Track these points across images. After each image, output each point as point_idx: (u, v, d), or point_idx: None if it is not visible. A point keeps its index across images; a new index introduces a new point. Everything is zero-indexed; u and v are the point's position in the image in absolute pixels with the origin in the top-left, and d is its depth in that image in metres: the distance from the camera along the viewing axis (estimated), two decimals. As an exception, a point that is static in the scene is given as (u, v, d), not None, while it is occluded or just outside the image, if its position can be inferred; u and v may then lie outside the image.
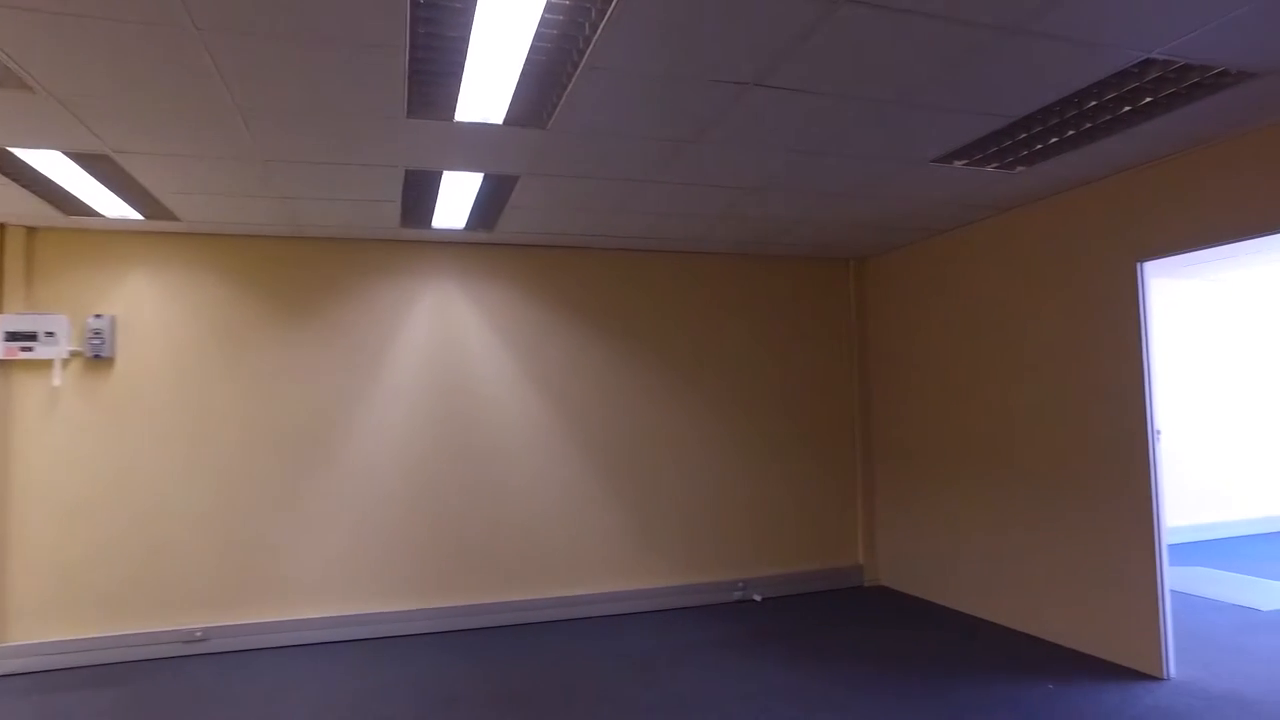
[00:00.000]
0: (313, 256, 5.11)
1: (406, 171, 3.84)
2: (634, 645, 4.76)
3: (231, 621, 4.82)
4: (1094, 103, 3.22)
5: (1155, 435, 4.01)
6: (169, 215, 4.49)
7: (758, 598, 5.87)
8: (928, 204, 4.70)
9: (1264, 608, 5.26)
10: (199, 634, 4.76)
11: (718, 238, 5.45)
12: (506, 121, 3.24)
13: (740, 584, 5.87)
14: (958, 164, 3.96)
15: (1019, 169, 4.05)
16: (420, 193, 4.21)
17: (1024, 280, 4.77)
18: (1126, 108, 3.28)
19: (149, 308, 4.83)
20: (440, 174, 3.91)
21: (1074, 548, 4.40)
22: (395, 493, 5.16)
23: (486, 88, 2.91)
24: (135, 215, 4.45)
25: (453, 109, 3.11)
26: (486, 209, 4.59)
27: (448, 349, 5.33)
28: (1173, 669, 3.97)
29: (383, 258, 5.24)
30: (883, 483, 6.15)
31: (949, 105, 3.19)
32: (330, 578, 5.01)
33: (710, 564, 5.82)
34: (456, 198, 4.33)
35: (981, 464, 5.11)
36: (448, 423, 5.29)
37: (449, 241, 5.35)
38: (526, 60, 2.72)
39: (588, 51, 2.64)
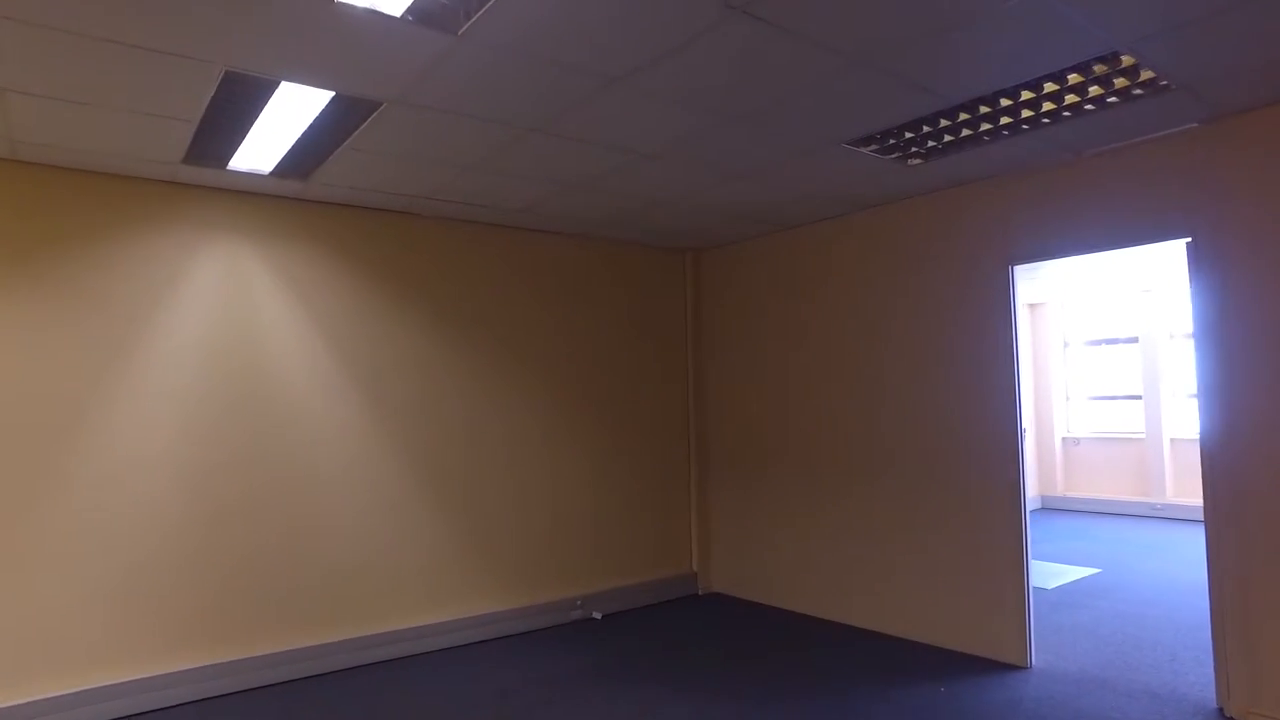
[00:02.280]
0: (41, 192, 3.63)
1: (226, 74, 2.77)
2: (486, 683, 3.98)
3: (-121, 722, 3.24)
4: (1029, 95, 3.18)
5: (1022, 433, 4.17)
6: None
7: (597, 615, 5.34)
8: (807, 193, 4.53)
9: (1048, 586, 5.85)
10: None
11: (562, 214, 4.83)
12: (410, 12, 2.40)
13: (578, 601, 5.30)
14: (865, 150, 3.79)
15: (915, 162, 4.00)
16: (232, 112, 3.11)
17: (888, 278, 4.79)
18: (1049, 105, 3.30)
19: None
20: (274, 85, 2.89)
21: (938, 546, 4.46)
22: (160, 516, 3.85)
23: (407, -47, 2.09)
24: None
25: (340, -19, 2.22)
26: (312, 149, 3.56)
27: (236, 328, 4.11)
28: (1034, 657, 4.14)
29: (149, 204, 3.89)
30: (716, 487, 5.94)
31: (909, 74, 2.95)
32: (64, 639, 3.58)
33: (545, 582, 5.18)
34: (279, 127, 3.27)
35: (832, 465, 5.07)
36: (234, 422, 4.08)
37: (246, 191, 4.13)
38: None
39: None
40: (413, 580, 4.61)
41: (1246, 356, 3.41)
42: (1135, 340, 9.33)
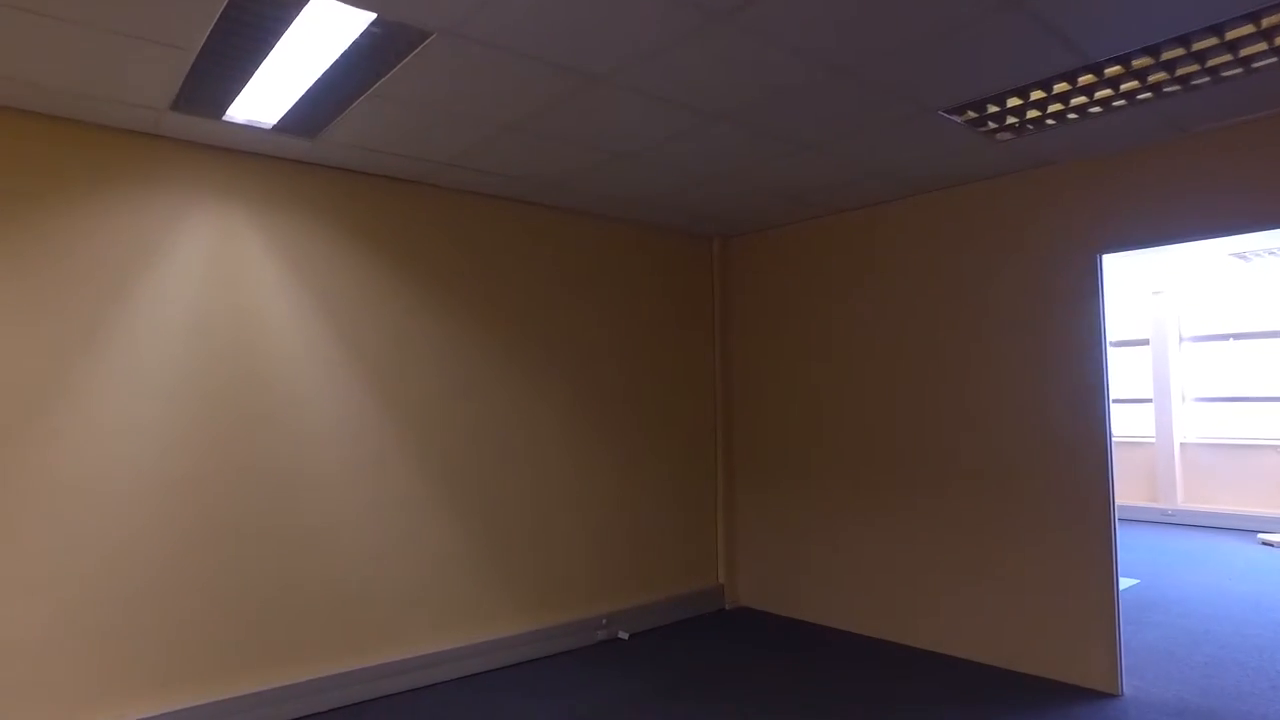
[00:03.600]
0: (-13, 138, 3.02)
1: (244, -16, 2.22)
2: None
3: None
4: (1173, 53, 2.78)
5: (1111, 437, 3.79)
6: None
7: (624, 635, 4.85)
8: (874, 170, 4.09)
9: (1092, 600, 5.51)
10: None
11: (591, 189, 4.32)
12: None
13: (602, 620, 4.79)
14: (959, 119, 3.36)
15: (1005, 136, 3.59)
16: (241, 38, 2.55)
17: (952, 267, 4.38)
18: (1188, 68, 2.90)
19: None
20: (301, 2, 2.34)
21: (1014, 561, 4.06)
22: (136, 533, 3.24)
23: None
24: None
25: None
26: (330, 96, 3.00)
27: (227, 311, 3.53)
28: (1125, 684, 3.77)
29: (126, 160, 3.28)
30: (745, 493, 5.48)
31: (1060, 22, 2.52)
32: (11, 676, 2.96)
33: (567, 598, 4.67)
34: (296, 63, 2.72)
35: (885, 472, 4.65)
36: (225, 423, 3.49)
37: (241, 150, 3.55)
38: None
39: None
40: (420, 599, 4.06)
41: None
42: (1146, 343, 9.14)
